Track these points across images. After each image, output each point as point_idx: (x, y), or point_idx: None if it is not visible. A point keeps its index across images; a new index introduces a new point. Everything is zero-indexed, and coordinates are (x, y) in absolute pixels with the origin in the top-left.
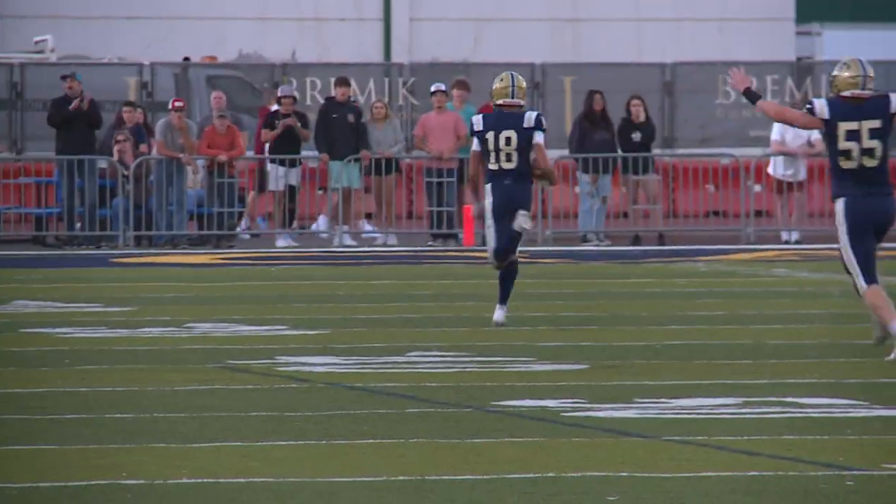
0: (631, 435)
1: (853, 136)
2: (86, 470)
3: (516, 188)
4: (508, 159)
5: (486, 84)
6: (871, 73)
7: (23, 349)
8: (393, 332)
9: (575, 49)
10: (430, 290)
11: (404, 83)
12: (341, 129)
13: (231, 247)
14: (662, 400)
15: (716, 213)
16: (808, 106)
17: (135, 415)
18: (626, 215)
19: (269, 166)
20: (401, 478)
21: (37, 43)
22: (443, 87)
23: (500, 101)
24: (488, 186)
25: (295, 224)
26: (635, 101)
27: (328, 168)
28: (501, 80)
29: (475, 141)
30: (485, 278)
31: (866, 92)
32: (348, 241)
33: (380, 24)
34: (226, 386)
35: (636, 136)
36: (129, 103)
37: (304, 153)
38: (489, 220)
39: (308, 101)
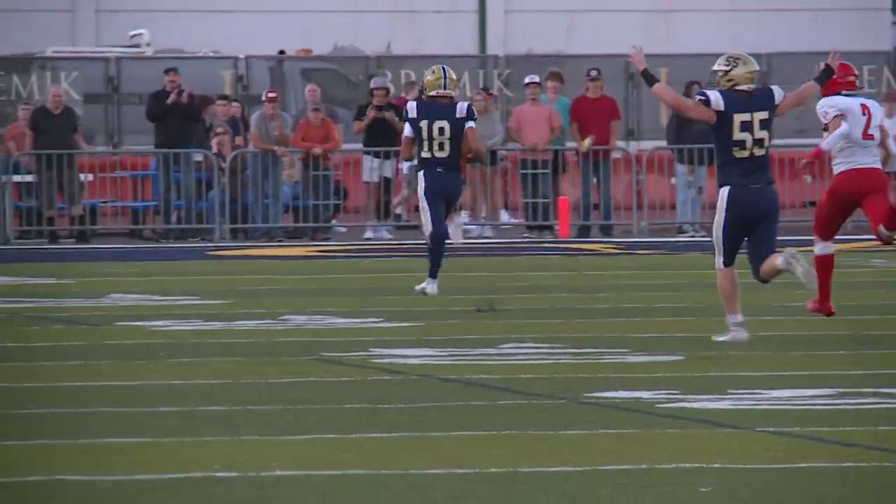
0: (725, 426)
1: (746, 126)
2: (180, 462)
3: (448, 176)
4: (441, 148)
5: (580, 76)
6: (760, 67)
7: (119, 342)
8: (487, 323)
9: (668, 40)
10: (524, 282)
11: (499, 75)
12: None
13: (326, 239)
14: (757, 391)
15: (812, 203)
16: (701, 97)
17: (229, 407)
18: None
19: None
20: (493, 470)
21: (132, 37)
22: (536, 79)
23: (432, 93)
24: (421, 173)
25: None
26: None
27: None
28: (433, 72)
29: (407, 127)
30: (579, 270)
31: (753, 86)
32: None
33: (475, 16)
34: (320, 378)
35: None
36: (223, 97)
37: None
38: (424, 204)
39: (403, 94)
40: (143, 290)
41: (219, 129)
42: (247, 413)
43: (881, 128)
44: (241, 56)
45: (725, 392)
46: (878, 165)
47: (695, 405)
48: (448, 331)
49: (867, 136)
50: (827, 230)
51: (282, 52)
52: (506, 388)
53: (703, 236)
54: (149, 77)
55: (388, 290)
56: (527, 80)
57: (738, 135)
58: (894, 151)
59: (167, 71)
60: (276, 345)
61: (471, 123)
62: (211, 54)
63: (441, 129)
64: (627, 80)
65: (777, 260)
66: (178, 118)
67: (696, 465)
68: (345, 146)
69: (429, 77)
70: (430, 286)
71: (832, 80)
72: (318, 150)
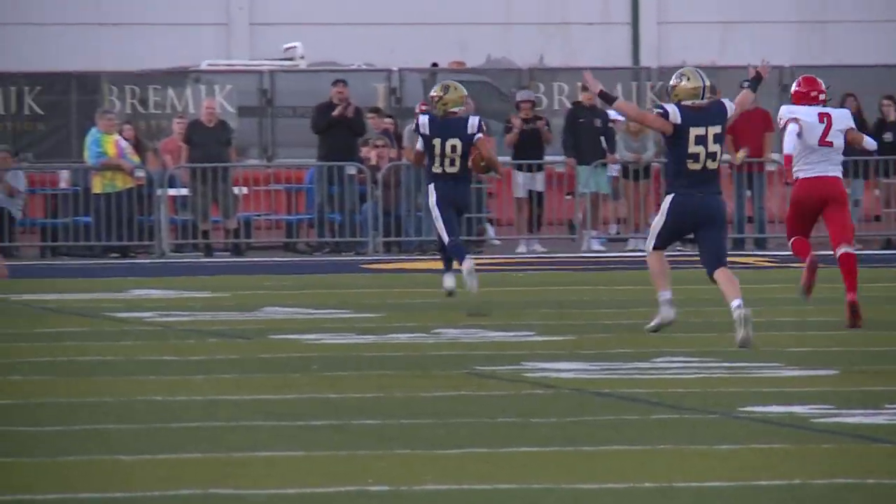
0: (881, 441)
1: (701, 140)
2: (333, 476)
3: (457, 186)
4: (452, 164)
5: (734, 87)
6: (708, 83)
7: (272, 355)
8: (640, 337)
9: (823, 50)
10: (678, 296)
11: (652, 87)
12: (588, 134)
13: (479, 252)
14: None
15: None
16: (659, 110)
17: (382, 421)
18: (878, 219)
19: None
20: (646, 485)
21: (286, 50)
22: None
23: (454, 109)
24: (431, 185)
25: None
26: (886, 101)
27: (576, 173)
28: (455, 89)
29: (420, 141)
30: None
31: (704, 101)
32: (596, 245)
33: (628, 27)
34: (472, 392)
35: (888, 136)
36: (374, 109)
37: (549, 157)
38: (436, 213)
39: (556, 106)
40: (297, 303)
41: (378, 142)
42: (399, 427)
43: (850, 132)
44: (395, 68)
45: (882, 406)
46: (838, 174)
47: (850, 420)
48: (600, 344)
49: (824, 142)
50: (794, 233)
51: (434, 64)
52: (658, 402)
53: (859, 249)
54: (302, 90)
55: (540, 303)
56: None
57: (692, 148)
58: (870, 147)
59: (335, 83)
60: (429, 358)
61: (480, 135)
62: (364, 67)
63: (453, 147)
64: (781, 91)
65: (733, 304)
66: (343, 131)
67: (851, 480)
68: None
69: (451, 95)
70: (447, 280)
71: (798, 92)
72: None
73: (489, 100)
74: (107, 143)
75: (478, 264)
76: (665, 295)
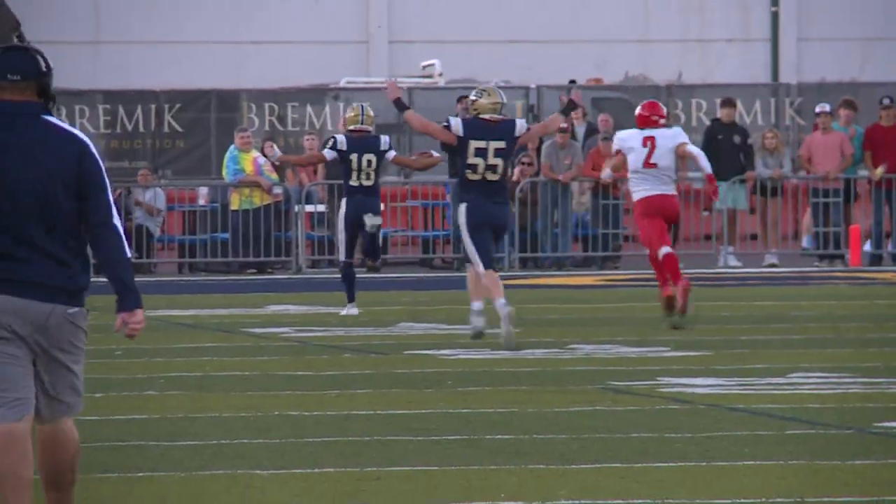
0: None
1: (481, 153)
2: (466, 490)
3: (370, 201)
4: (368, 178)
5: (874, 104)
6: (505, 100)
7: (408, 371)
8: (775, 353)
9: None
10: (814, 311)
11: (791, 103)
12: (727, 150)
13: (616, 268)
14: None
15: None
16: (444, 123)
17: (515, 436)
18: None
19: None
20: (779, 499)
21: (425, 67)
22: (827, 108)
23: (351, 128)
24: (344, 200)
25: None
26: None
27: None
28: (353, 109)
29: (332, 153)
30: (870, 299)
31: (499, 116)
32: (733, 262)
33: (767, 44)
34: (607, 407)
35: None
36: None
37: (689, 174)
38: (341, 226)
39: (693, 123)
40: (433, 319)
41: (524, 159)
42: (533, 441)
43: (685, 151)
44: (533, 85)
45: None
46: (671, 192)
47: None
48: (736, 360)
49: (648, 164)
50: (658, 242)
51: (572, 81)
52: (793, 417)
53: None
54: (441, 107)
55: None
56: (817, 109)
57: (471, 159)
58: (706, 170)
59: (460, 99)
60: (563, 374)
61: (392, 153)
62: (502, 84)
63: (369, 162)
64: None
65: (498, 302)
66: None
67: None
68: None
69: (350, 114)
70: (352, 310)
71: (642, 116)
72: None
73: (627, 116)
74: (244, 160)
75: (613, 280)
76: (501, 301)
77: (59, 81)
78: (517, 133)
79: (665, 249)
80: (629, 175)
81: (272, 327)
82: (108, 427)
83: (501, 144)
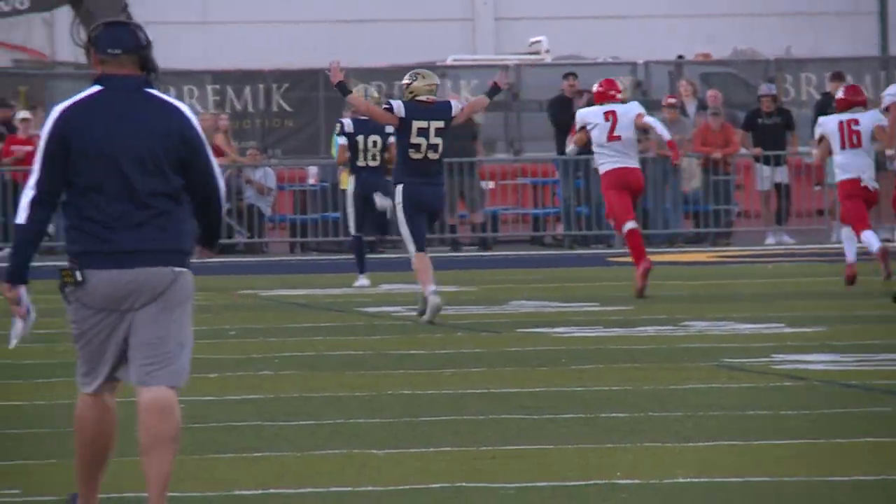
0: None
1: (423, 132)
2: (582, 469)
3: (374, 179)
4: (373, 158)
5: None
6: (438, 81)
7: (521, 349)
8: (891, 328)
9: None
10: None
11: None
12: None
13: (727, 244)
14: None
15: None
16: (386, 105)
17: (630, 414)
18: None
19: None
20: None
21: (531, 44)
22: None
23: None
24: (352, 178)
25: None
26: None
27: (823, 165)
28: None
29: (342, 139)
30: None
31: (435, 98)
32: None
33: (875, 17)
34: (722, 385)
35: None
36: None
37: (801, 149)
38: (350, 201)
39: (803, 97)
40: (545, 296)
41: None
42: (648, 419)
43: (643, 123)
44: (640, 61)
45: None
46: (635, 164)
47: None
48: (852, 336)
49: (612, 137)
50: (623, 216)
51: (680, 56)
52: None
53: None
54: (548, 84)
55: (790, 294)
56: None
57: (414, 139)
58: (665, 137)
59: (566, 76)
60: (677, 351)
61: (392, 138)
62: (610, 60)
63: (374, 142)
64: None
65: (428, 289)
66: None
67: None
68: (743, 150)
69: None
70: (363, 281)
71: (599, 92)
72: (717, 154)
73: (735, 91)
74: None
75: (725, 257)
76: (430, 288)
77: (167, 62)
78: (453, 113)
79: (629, 225)
80: (594, 149)
81: (385, 306)
82: (224, 407)
83: (441, 124)
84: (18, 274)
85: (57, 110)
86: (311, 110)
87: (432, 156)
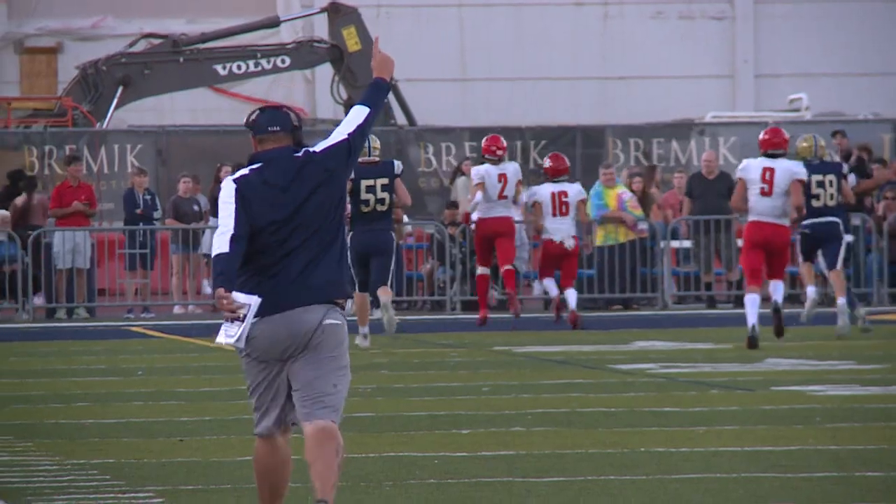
0: None
1: (371, 189)
2: None
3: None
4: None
5: None
6: (379, 144)
7: (775, 407)
8: None
9: None
10: None
11: None
12: None
13: None
14: None
15: None
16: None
17: (886, 473)
18: None
19: None
20: None
21: (792, 101)
22: None
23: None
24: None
25: None
26: None
27: None
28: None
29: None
30: None
31: (376, 158)
32: None
33: None
34: None
35: None
36: (879, 160)
37: None
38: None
39: None
40: (800, 354)
41: (888, 194)
42: None
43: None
44: None
45: None
46: (511, 215)
47: None
48: None
49: (501, 196)
50: (483, 261)
51: None
52: None
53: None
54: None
55: None
56: None
57: (363, 195)
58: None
59: (833, 134)
60: None
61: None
62: (871, 117)
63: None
64: None
65: (362, 330)
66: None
67: None
68: None
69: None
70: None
71: (484, 147)
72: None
73: None
74: (608, 196)
75: None
76: (364, 330)
77: (426, 118)
78: (397, 171)
79: (506, 266)
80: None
81: (638, 363)
82: (476, 463)
83: (386, 181)
84: (230, 279)
85: None
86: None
87: (380, 208)
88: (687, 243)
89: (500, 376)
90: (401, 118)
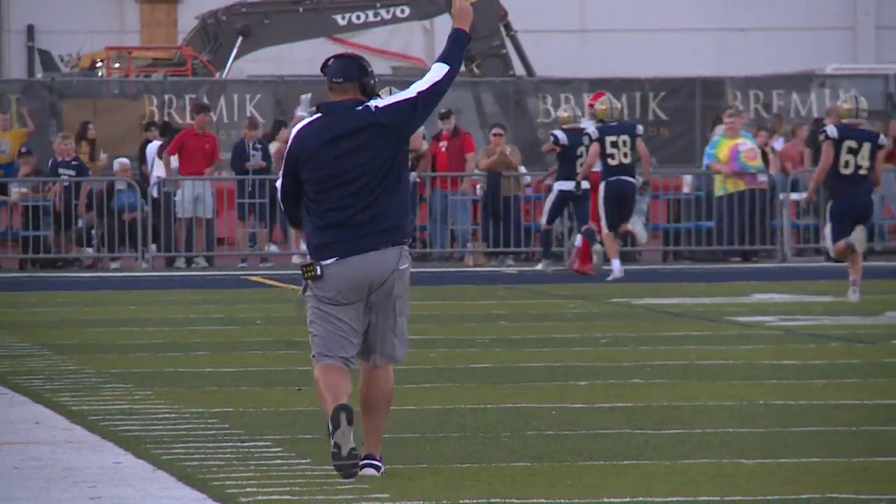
0: None
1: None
2: None
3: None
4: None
5: None
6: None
7: (895, 360)
8: None
9: None
10: None
11: None
12: None
13: None
14: None
15: None
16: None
17: None
18: None
19: None
20: None
21: None
22: None
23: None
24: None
25: None
26: None
27: None
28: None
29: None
30: None
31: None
32: None
33: None
34: None
35: None
36: None
37: None
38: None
39: None
40: None
41: None
42: None
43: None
44: None
45: None
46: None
47: None
48: None
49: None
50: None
51: None
52: None
53: None
54: None
55: None
56: None
57: (608, 150)
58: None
59: None
60: None
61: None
62: None
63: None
64: None
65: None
66: None
67: None
68: None
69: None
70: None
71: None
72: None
73: None
74: (721, 145)
75: None
76: (616, 263)
77: (545, 70)
78: (638, 132)
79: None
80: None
81: (757, 316)
82: (594, 415)
83: (626, 138)
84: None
85: None
86: (687, 119)
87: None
88: (805, 196)
89: (618, 328)
90: (519, 69)
